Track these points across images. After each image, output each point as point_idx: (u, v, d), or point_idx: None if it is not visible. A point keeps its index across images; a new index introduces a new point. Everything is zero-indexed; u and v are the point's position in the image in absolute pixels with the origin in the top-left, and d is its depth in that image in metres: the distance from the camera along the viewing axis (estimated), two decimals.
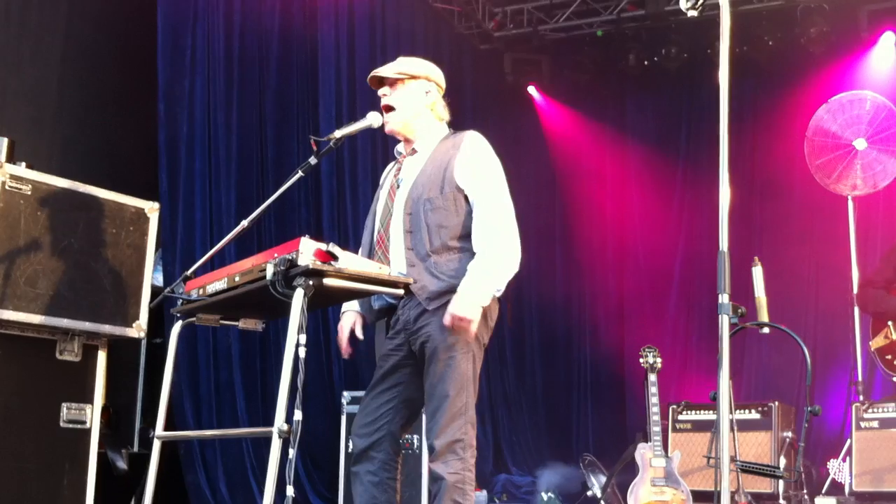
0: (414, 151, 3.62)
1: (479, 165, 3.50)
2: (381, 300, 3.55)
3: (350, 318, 3.70)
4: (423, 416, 3.51)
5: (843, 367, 6.92)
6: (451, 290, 3.34)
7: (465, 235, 3.46)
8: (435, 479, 3.34)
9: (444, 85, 3.70)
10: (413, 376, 3.49)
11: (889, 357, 5.58)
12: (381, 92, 3.63)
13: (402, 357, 3.50)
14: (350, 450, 3.48)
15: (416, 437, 5.77)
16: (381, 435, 3.45)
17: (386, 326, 3.59)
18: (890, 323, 5.53)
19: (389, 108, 3.61)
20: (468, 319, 3.27)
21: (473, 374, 3.40)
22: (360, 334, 3.69)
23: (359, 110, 7.06)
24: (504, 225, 3.43)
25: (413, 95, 3.60)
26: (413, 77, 3.61)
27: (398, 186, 3.56)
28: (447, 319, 3.29)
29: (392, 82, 3.60)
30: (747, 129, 8.25)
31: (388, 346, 3.54)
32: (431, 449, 3.34)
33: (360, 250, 3.68)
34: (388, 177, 3.71)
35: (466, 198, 3.48)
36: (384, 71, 3.61)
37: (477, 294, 3.31)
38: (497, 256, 3.38)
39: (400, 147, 3.71)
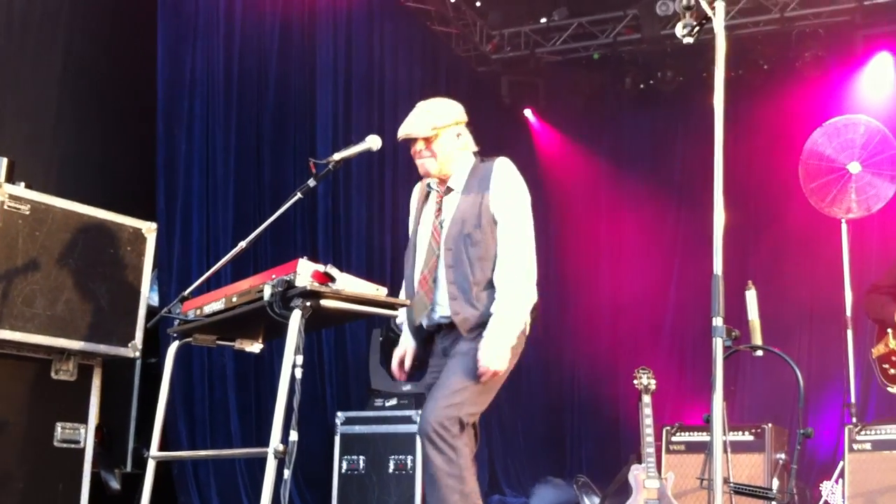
0: (449, 190, 3.70)
1: (508, 195, 3.61)
2: (423, 330, 3.69)
3: (409, 346, 3.80)
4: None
5: (837, 390, 6.93)
6: (487, 319, 3.48)
7: None
8: (426, 463, 3.40)
9: (466, 118, 3.75)
10: None
11: (886, 366, 5.44)
12: (416, 148, 3.66)
13: None
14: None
15: (409, 457, 5.77)
16: None
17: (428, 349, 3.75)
18: (890, 331, 5.38)
19: (424, 158, 3.67)
20: (500, 369, 3.41)
21: (485, 386, 3.46)
22: (408, 364, 3.81)
23: (355, 132, 7.10)
24: (523, 258, 3.54)
25: (447, 145, 3.66)
26: (445, 127, 3.65)
27: (441, 228, 3.64)
28: (480, 369, 3.40)
29: (426, 138, 3.64)
30: (742, 153, 8.30)
31: (432, 374, 3.67)
32: (422, 432, 3.39)
33: (405, 283, 3.78)
34: (426, 214, 3.77)
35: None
36: (416, 131, 3.63)
37: (504, 343, 3.44)
38: (517, 297, 3.50)
39: (432, 183, 3.75)
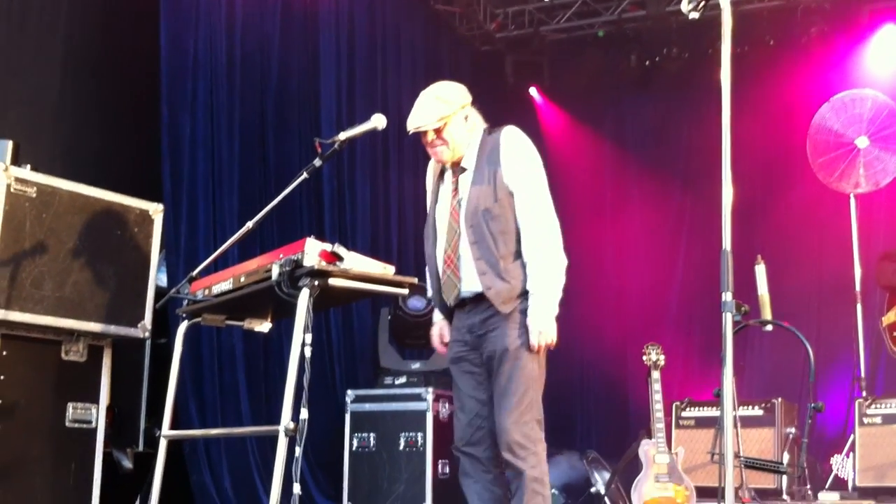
0: (463, 170, 3.71)
1: (521, 163, 3.64)
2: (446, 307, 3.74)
3: (444, 326, 3.85)
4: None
5: (846, 364, 6.93)
6: (519, 294, 3.56)
7: None
8: (515, 474, 3.50)
9: (471, 97, 3.75)
10: (484, 378, 3.65)
11: None
12: (428, 139, 3.65)
13: (473, 362, 3.66)
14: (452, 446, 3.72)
15: (419, 434, 5.79)
16: (482, 434, 3.63)
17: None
18: None
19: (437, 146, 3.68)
20: (550, 338, 3.55)
21: (539, 373, 3.61)
22: (447, 339, 3.84)
23: (359, 111, 7.08)
24: (547, 224, 3.61)
25: (458, 130, 3.66)
26: (452, 114, 3.64)
27: (459, 206, 3.66)
28: (532, 342, 3.52)
29: (436, 129, 3.63)
30: (749, 129, 8.25)
31: (456, 351, 3.71)
32: (506, 446, 3.48)
33: (427, 260, 3.81)
34: (443, 193, 3.78)
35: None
36: (425, 124, 3.62)
37: (549, 314, 3.56)
38: (551, 265, 3.58)
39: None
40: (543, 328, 3.51)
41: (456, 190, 3.70)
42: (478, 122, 3.74)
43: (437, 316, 3.88)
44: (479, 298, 3.58)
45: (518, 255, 3.58)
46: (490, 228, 3.56)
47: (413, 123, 3.63)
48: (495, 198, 3.58)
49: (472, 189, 3.63)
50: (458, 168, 3.72)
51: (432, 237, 3.76)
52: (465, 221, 3.61)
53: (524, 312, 3.55)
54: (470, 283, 3.59)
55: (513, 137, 3.67)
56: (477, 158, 3.67)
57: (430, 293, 3.88)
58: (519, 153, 3.64)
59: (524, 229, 3.59)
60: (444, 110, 3.61)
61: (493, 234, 3.56)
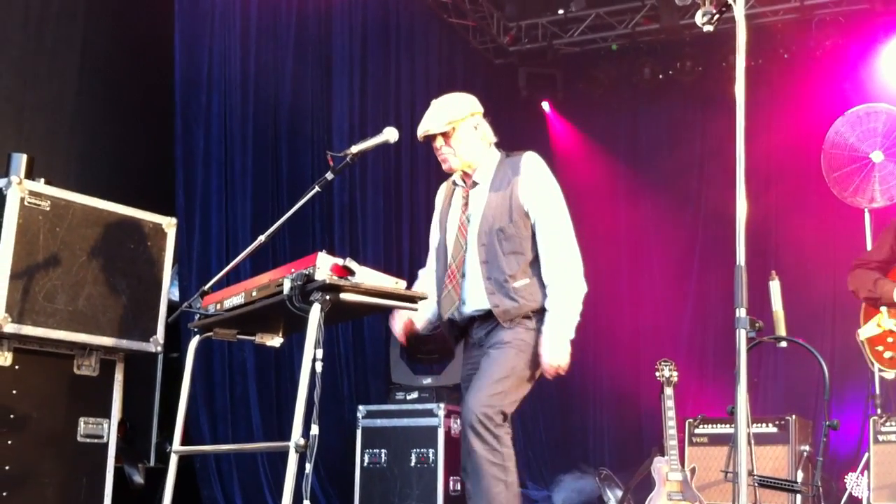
0: (475, 184, 3.71)
1: (540, 188, 3.63)
2: (455, 324, 3.72)
3: (412, 318, 3.80)
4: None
5: (861, 380, 6.87)
6: (528, 312, 3.55)
7: (537, 257, 3.62)
8: (467, 453, 3.43)
9: (482, 108, 3.77)
10: None
11: (880, 349, 4.82)
12: (436, 145, 3.68)
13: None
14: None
15: (431, 450, 5.77)
16: None
17: (460, 343, 3.81)
18: (884, 309, 4.79)
19: (446, 155, 3.68)
20: (565, 364, 3.54)
21: (522, 375, 3.54)
22: (400, 328, 3.80)
23: (371, 125, 7.10)
24: (569, 251, 3.60)
25: (467, 138, 3.67)
26: (462, 120, 3.66)
27: (468, 222, 3.66)
28: (547, 371, 3.53)
29: (444, 134, 3.65)
30: (763, 142, 8.23)
31: (468, 366, 3.71)
32: (466, 422, 3.43)
33: (436, 281, 3.79)
34: (452, 210, 3.77)
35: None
36: (434, 127, 3.65)
37: (565, 339, 3.54)
38: (570, 290, 3.56)
39: (456, 178, 3.75)
40: (557, 353, 3.52)
41: (466, 205, 3.70)
42: (488, 135, 3.75)
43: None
44: (488, 315, 3.59)
45: (527, 275, 3.58)
46: (502, 248, 3.57)
47: (422, 128, 3.67)
48: (510, 218, 3.58)
49: (487, 207, 3.63)
50: (469, 181, 3.71)
51: (443, 259, 3.76)
52: (477, 239, 3.62)
53: (529, 318, 3.56)
54: (476, 301, 3.60)
55: (534, 162, 3.68)
56: (494, 177, 3.68)
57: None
58: (539, 178, 3.65)
59: (545, 255, 3.59)
60: (453, 115, 3.65)
61: (505, 254, 3.57)
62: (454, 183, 3.81)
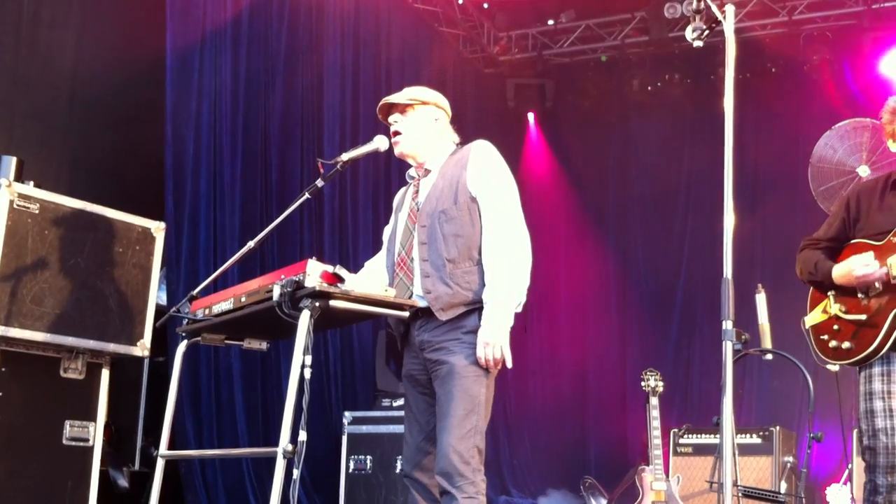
0: (427, 172, 3.63)
1: (487, 172, 3.48)
2: (401, 322, 3.50)
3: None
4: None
5: (845, 392, 6.91)
6: (465, 303, 3.33)
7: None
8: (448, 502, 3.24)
9: (450, 112, 3.73)
10: (433, 399, 3.42)
11: (825, 338, 3.97)
12: (391, 118, 3.63)
13: (423, 383, 3.46)
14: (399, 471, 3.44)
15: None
16: (430, 459, 3.39)
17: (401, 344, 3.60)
18: (831, 294, 4.02)
19: (398, 133, 3.62)
20: (499, 352, 3.27)
21: (486, 398, 3.34)
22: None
23: (362, 133, 7.11)
24: (512, 235, 3.39)
25: (423, 120, 3.61)
26: (423, 103, 3.63)
27: (418, 209, 3.53)
28: (479, 354, 3.26)
29: (402, 108, 3.62)
30: (750, 156, 8.29)
31: (409, 367, 3.52)
32: (441, 470, 3.24)
33: (386, 272, 3.64)
34: (405, 201, 3.69)
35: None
36: (394, 98, 3.63)
37: (502, 324, 3.28)
38: (510, 274, 3.33)
39: (412, 171, 3.72)
40: (492, 340, 3.24)
41: (417, 192, 3.61)
42: (448, 133, 3.67)
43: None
44: (429, 312, 3.37)
45: (469, 262, 3.37)
46: (443, 230, 3.40)
47: (384, 100, 3.63)
48: (455, 201, 3.43)
49: (432, 190, 3.52)
50: (422, 171, 3.65)
51: (393, 248, 3.61)
52: (419, 222, 3.48)
53: (475, 333, 3.29)
54: (417, 287, 3.41)
55: (483, 148, 3.56)
56: (444, 164, 3.59)
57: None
58: (487, 162, 3.51)
59: (486, 236, 3.39)
60: (417, 95, 3.62)
61: (445, 236, 3.39)
62: (409, 177, 3.73)
